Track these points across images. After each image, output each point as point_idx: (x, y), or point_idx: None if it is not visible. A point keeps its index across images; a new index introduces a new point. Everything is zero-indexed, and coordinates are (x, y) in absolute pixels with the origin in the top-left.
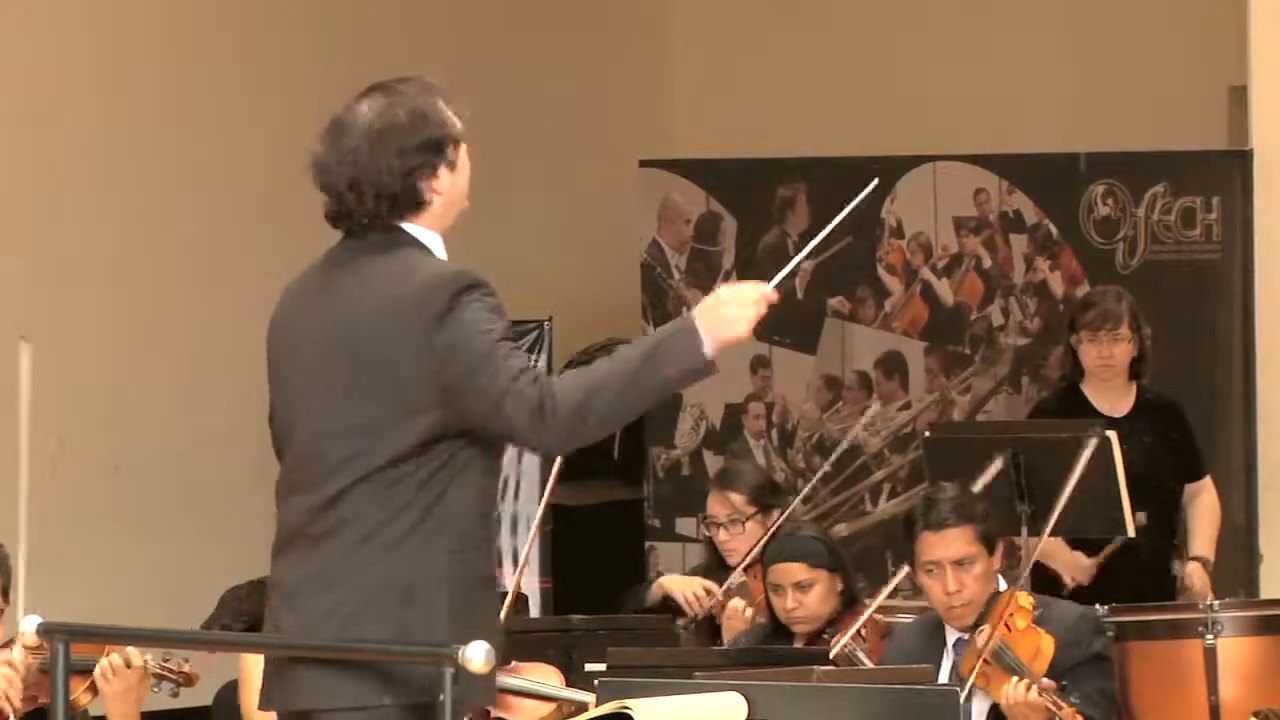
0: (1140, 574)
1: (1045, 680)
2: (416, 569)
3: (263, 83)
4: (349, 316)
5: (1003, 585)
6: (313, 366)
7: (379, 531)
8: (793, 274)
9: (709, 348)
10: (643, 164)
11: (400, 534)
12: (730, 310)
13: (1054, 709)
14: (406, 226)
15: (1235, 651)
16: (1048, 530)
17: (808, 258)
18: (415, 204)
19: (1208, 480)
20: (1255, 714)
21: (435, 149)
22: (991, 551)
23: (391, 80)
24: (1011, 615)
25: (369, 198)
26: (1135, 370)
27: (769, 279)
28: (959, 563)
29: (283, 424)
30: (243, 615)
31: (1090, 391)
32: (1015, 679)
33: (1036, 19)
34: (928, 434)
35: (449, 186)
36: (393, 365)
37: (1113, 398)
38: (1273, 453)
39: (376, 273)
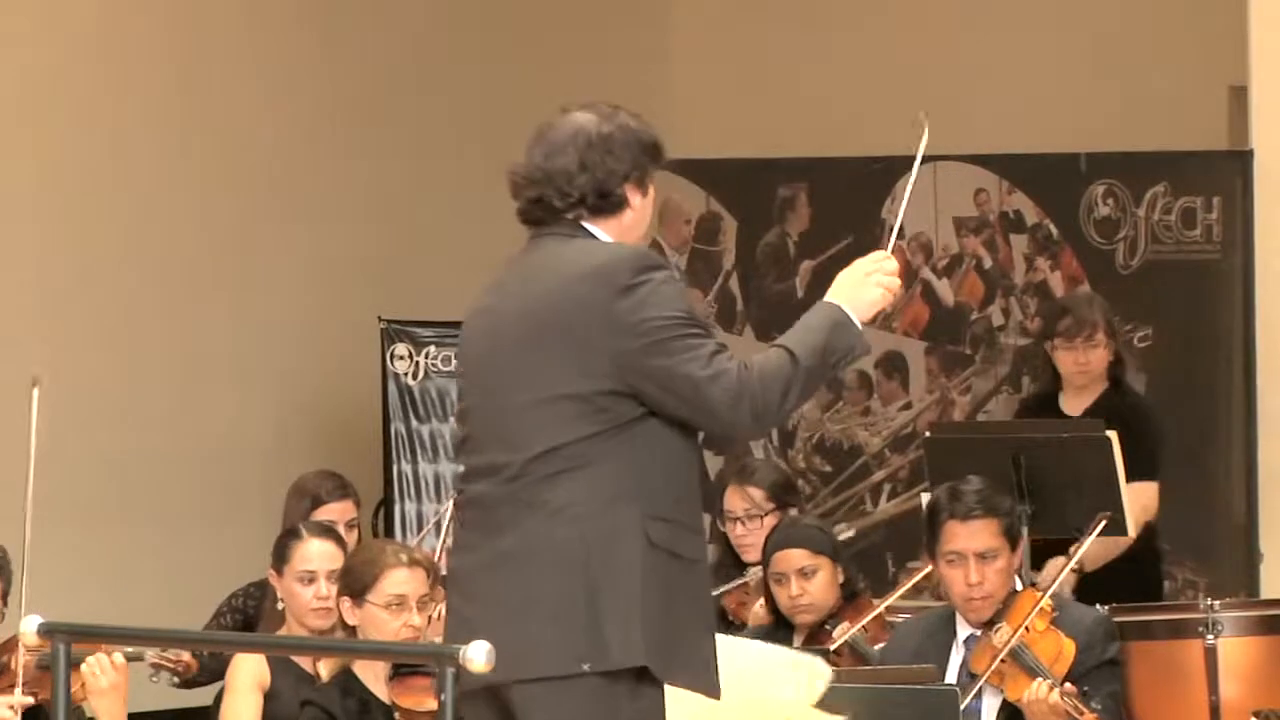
0: (1124, 575)
1: (1068, 685)
2: (608, 536)
3: (265, 83)
4: (536, 295)
5: (1018, 585)
6: (503, 347)
7: (572, 501)
8: (901, 234)
9: (861, 332)
10: None
11: (589, 500)
12: (871, 291)
13: (1075, 715)
14: (589, 225)
15: (1235, 651)
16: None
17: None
18: (615, 208)
19: (1144, 487)
20: (1255, 714)
21: (645, 164)
22: (1014, 548)
23: (597, 101)
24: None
25: (576, 193)
26: (1112, 374)
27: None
28: (982, 555)
29: (470, 408)
30: (238, 613)
31: (1064, 398)
32: (1039, 680)
33: (1036, 20)
34: (928, 434)
35: (640, 204)
36: (576, 337)
37: (1081, 399)
38: (1273, 453)
39: (562, 255)
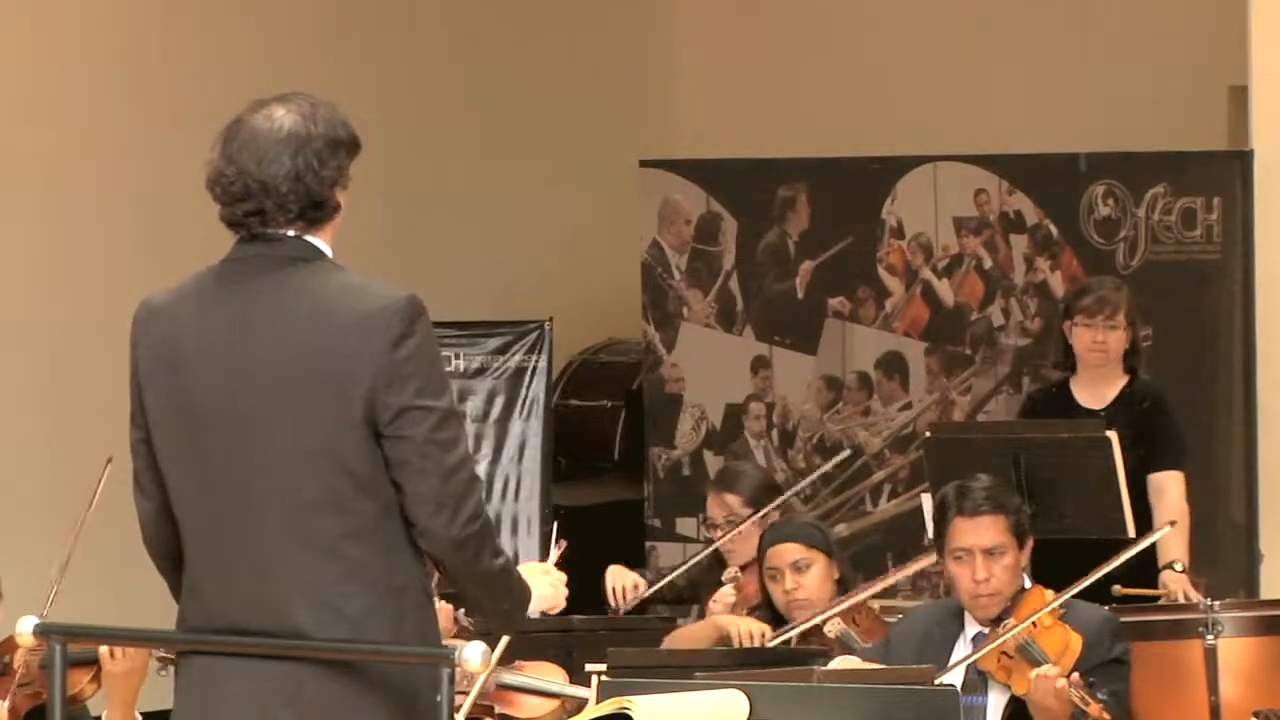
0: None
1: (1074, 675)
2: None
3: (260, 81)
4: (303, 337)
5: (1027, 583)
6: (256, 392)
7: (352, 555)
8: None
9: (526, 615)
10: (643, 164)
11: (373, 557)
12: (544, 586)
13: (1082, 705)
14: (311, 239)
15: (1235, 651)
16: None
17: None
18: (330, 215)
19: (1175, 476)
20: (1255, 714)
21: (349, 160)
22: (1021, 545)
23: (288, 93)
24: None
25: (295, 207)
26: (1129, 365)
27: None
28: (989, 551)
29: (196, 456)
30: None
31: (1077, 387)
32: (1047, 665)
33: (1036, 19)
34: (928, 434)
35: (345, 204)
36: (349, 384)
37: (1098, 389)
38: (1273, 453)
39: (319, 294)
